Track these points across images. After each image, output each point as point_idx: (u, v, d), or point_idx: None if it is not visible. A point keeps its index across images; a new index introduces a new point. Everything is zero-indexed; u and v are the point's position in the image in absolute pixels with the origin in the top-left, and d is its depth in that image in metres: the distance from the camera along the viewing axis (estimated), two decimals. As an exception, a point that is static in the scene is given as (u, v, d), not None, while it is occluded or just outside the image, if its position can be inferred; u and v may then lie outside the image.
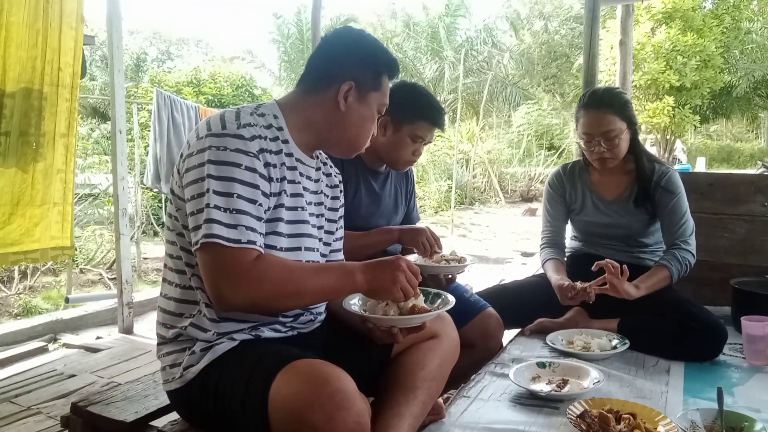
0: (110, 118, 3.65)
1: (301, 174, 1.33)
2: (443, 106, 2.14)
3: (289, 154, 1.31)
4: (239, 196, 1.15)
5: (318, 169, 1.43)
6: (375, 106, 1.36)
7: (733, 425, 1.38)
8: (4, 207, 2.98)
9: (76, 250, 4.02)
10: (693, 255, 2.12)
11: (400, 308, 1.27)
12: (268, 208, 1.23)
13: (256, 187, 1.18)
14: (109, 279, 5.23)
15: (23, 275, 5.00)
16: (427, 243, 1.91)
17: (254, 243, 1.15)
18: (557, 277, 2.16)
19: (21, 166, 3.03)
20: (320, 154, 1.47)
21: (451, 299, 1.37)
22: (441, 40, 17.38)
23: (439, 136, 13.95)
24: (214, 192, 1.14)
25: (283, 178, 1.27)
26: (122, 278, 3.62)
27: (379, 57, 1.37)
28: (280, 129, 1.30)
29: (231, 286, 1.12)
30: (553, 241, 2.37)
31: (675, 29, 14.71)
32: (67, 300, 4.26)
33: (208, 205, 1.13)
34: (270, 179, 1.23)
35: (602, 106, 2.11)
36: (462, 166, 13.82)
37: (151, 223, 7.43)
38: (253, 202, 1.17)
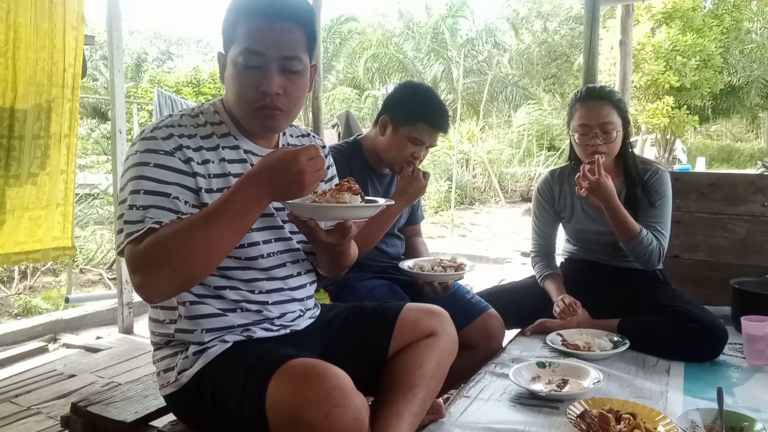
0: (110, 118, 3.66)
1: (252, 166, 1.28)
2: (448, 110, 2.12)
3: (234, 147, 1.29)
4: (146, 192, 1.15)
5: None
6: (233, 60, 1.21)
7: (733, 425, 1.38)
8: (17, 211, 2.98)
9: (77, 250, 4.02)
10: (664, 247, 2.09)
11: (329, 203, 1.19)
12: (202, 204, 1.20)
13: (165, 183, 1.17)
14: (109, 279, 5.22)
15: (23, 275, 5.00)
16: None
17: (139, 230, 1.10)
18: (560, 296, 2.14)
19: (33, 169, 3.03)
20: (298, 138, 1.46)
21: (390, 201, 1.31)
22: (442, 40, 17.37)
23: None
24: (129, 194, 1.16)
25: (225, 174, 1.25)
26: (122, 278, 3.62)
27: (235, 9, 1.23)
28: (219, 124, 1.29)
29: (138, 280, 1.10)
30: (544, 251, 2.33)
31: (675, 29, 14.72)
32: (67, 300, 4.25)
33: (121, 216, 1.15)
34: (194, 174, 1.21)
35: (601, 98, 2.10)
36: (462, 166, 13.81)
37: (151, 223, 7.41)
38: (164, 195, 1.16)
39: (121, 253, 1.15)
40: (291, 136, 1.47)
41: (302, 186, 1.09)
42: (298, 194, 1.12)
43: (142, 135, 1.23)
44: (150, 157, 1.18)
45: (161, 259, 1.08)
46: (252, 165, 1.28)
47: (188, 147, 1.22)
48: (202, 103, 1.34)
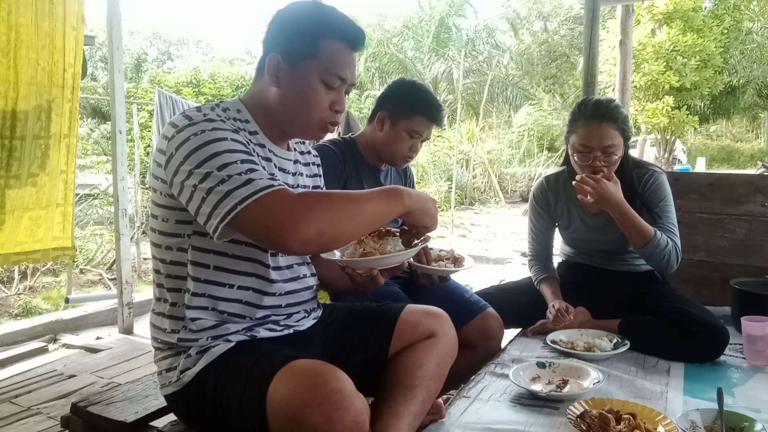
0: (110, 118, 3.66)
1: (275, 166, 1.31)
2: (443, 106, 2.15)
3: (261, 145, 1.29)
4: (243, 161, 1.11)
5: (296, 161, 1.41)
6: (314, 75, 1.25)
7: (733, 425, 1.38)
8: (17, 211, 2.98)
9: (77, 250, 4.02)
10: (679, 246, 2.04)
11: (376, 250, 1.30)
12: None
13: (249, 153, 1.15)
14: (109, 279, 5.23)
15: (23, 275, 5.00)
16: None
17: (275, 184, 1.08)
18: (555, 302, 2.13)
19: (33, 169, 3.04)
20: (298, 144, 1.46)
21: (429, 236, 1.41)
22: (443, 40, 17.36)
23: (439, 136, 13.95)
24: (218, 169, 1.08)
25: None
26: (122, 278, 3.62)
27: (316, 20, 1.26)
28: (245, 122, 1.28)
29: (289, 220, 1.04)
30: (541, 254, 2.32)
31: (675, 29, 14.74)
32: (67, 300, 4.25)
33: (222, 181, 1.07)
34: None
35: (606, 119, 1.97)
36: (462, 167, 13.81)
37: (151, 224, 7.41)
38: (255, 162, 1.14)
39: (229, 224, 1.06)
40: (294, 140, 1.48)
41: (434, 211, 1.28)
42: (429, 217, 1.27)
43: (193, 120, 1.15)
44: (223, 133, 1.13)
45: (324, 206, 1.08)
46: (275, 165, 1.30)
47: (239, 131, 1.20)
48: (221, 100, 1.32)
